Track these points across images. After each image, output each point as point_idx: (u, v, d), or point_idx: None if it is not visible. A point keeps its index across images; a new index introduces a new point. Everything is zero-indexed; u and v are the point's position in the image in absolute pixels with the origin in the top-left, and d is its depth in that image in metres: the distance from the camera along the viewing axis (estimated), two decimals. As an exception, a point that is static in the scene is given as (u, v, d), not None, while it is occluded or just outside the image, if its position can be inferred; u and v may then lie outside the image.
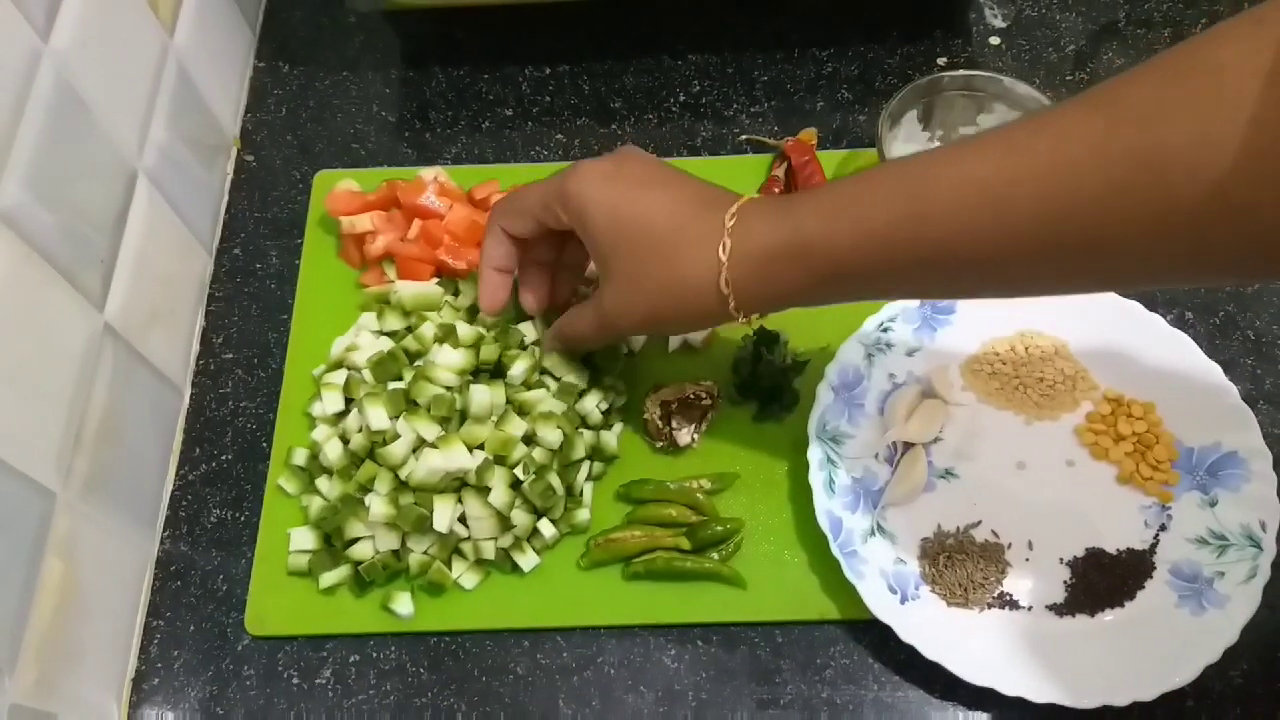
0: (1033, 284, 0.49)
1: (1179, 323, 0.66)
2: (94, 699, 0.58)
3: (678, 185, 0.55)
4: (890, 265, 0.49)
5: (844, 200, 0.50)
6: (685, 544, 0.62)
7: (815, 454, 0.62)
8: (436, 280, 0.70)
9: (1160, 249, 0.42)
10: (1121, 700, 0.56)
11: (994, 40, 0.82)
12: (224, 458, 0.68)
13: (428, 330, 0.65)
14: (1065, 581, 0.61)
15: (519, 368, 0.62)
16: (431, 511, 0.60)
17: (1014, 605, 0.60)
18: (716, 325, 0.59)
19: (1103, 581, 0.61)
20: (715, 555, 0.62)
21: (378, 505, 0.60)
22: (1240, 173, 0.38)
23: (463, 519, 0.61)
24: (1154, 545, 0.62)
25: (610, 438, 0.65)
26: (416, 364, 0.64)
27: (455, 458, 0.59)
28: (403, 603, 0.61)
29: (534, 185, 0.59)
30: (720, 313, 0.54)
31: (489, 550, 0.61)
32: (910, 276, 0.50)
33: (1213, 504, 0.62)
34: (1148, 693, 0.56)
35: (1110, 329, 0.66)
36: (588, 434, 0.64)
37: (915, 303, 0.67)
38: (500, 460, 0.61)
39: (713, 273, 0.52)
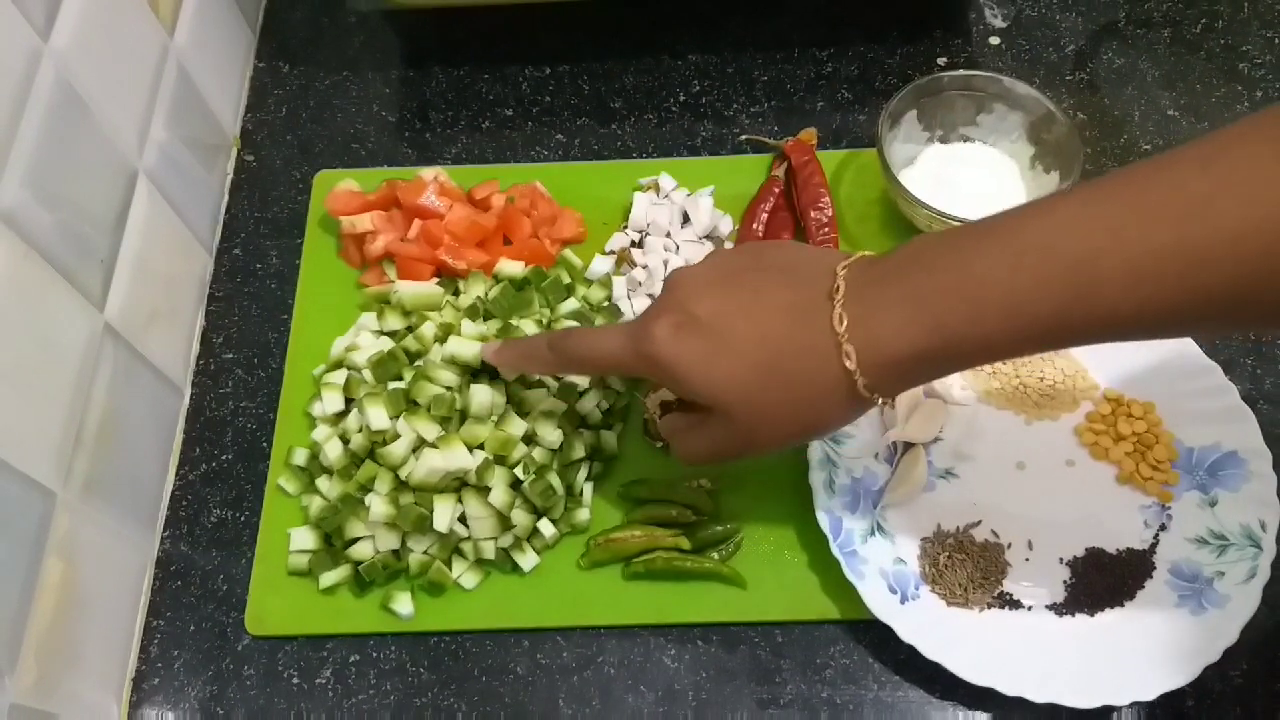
0: (1213, 330, 0.47)
1: (1179, 323, 0.66)
2: (94, 699, 0.58)
3: (755, 309, 0.48)
4: (1047, 344, 0.46)
5: (989, 289, 0.44)
6: (685, 544, 0.62)
7: (815, 454, 0.62)
8: (436, 280, 0.70)
9: None
10: (1121, 700, 0.56)
11: (994, 40, 0.82)
12: (224, 458, 0.68)
13: (428, 330, 0.65)
14: (1065, 581, 0.61)
15: None
16: (431, 511, 0.60)
17: (1014, 605, 0.60)
18: (860, 416, 0.52)
19: (1103, 581, 0.61)
20: (715, 555, 0.62)
21: (378, 505, 0.60)
22: None
23: (463, 519, 0.61)
24: (1154, 545, 0.62)
25: (610, 438, 0.65)
26: (416, 364, 0.64)
27: (455, 458, 0.59)
28: (403, 603, 0.61)
29: (599, 341, 0.53)
30: (864, 408, 0.49)
31: (489, 550, 0.61)
32: (1065, 345, 0.46)
33: (1213, 504, 0.62)
34: (1148, 693, 0.56)
35: (1110, 329, 0.66)
36: (588, 434, 0.64)
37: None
38: (500, 460, 0.61)
39: (845, 384, 0.47)
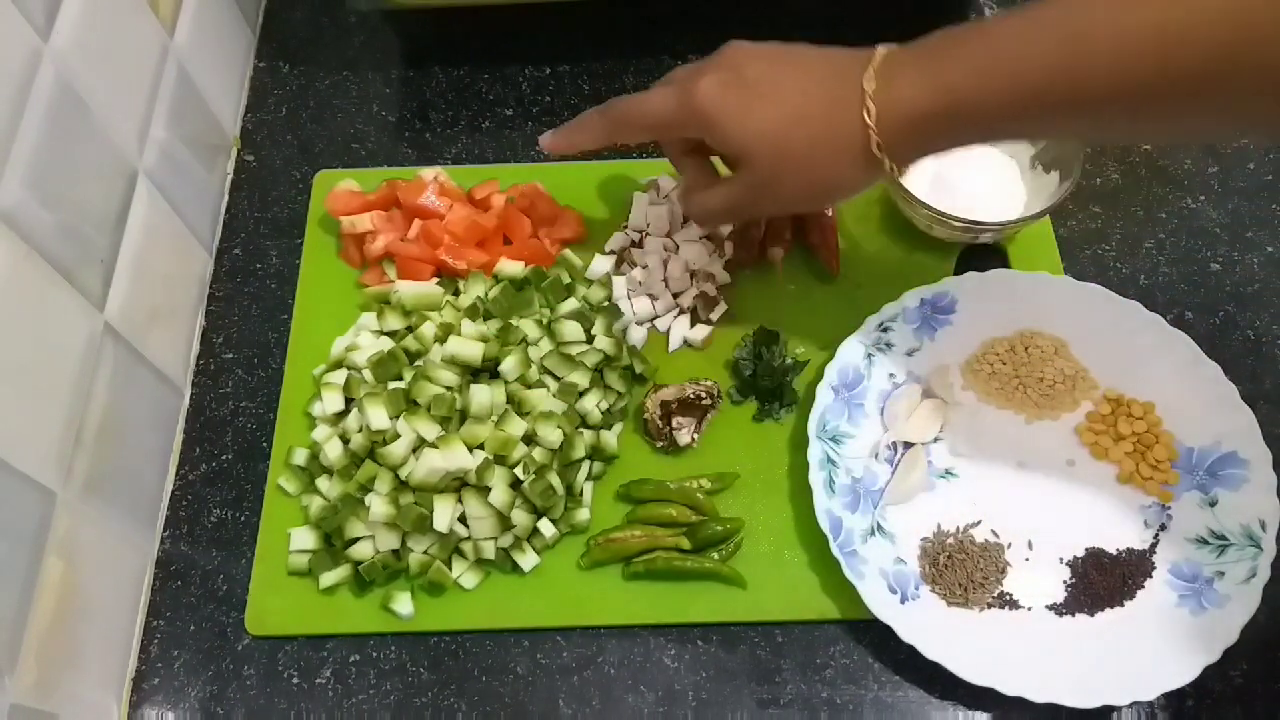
0: (1188, 123, 0.50)
1: (1179, 323, 0.66)
2: (94, 699, 0.58)
3: (801, 69, 0.55)
4: (1041, 117, 0.50)
5: (997, 58, 0.49)
6: (685, 544, 0.62)
7: (815, 454, 0.62)
8: (436, 280, 0.70)
9: None
10: (1121, 700, 0.56)
11: (994, 40, 0.82)
12: (224, 458, 0.68)
13: (428, 330, 0.65)
14: (1065, 581, 0.61)
15: (510, 363, 0.62)
16: (431, 511, 0.60)
17: (1014, 605, 0.61)
18: (866, 189, 0.58)
19: (1103, 581, 0.61)
20: (715, 555, 0.62)
21: (378, 505, 0.60)
22: None
23: (463, 519, 0.61)
24: (1154, 545, 0.62)
25: (610, 438, 0.65)
26: (416, 364, 0.64)
27: (455, 457, 0.59)
28: (403, 603, 0.61)
29: (647, 100, 0.58)
30: (873, 175, 0.54)
31: (489, 550, 0.61)
32: (1060, 125, 0.52)
33: (1213, 504, 0.62)
34: (1148, 693, 0.56)
35: (1110, 329, 0.66)
36: (588, 434, 0.64)
37: (915, 302, 0.67)
38: (500, 460, 0.61)
39: (861, 139, 0.52)
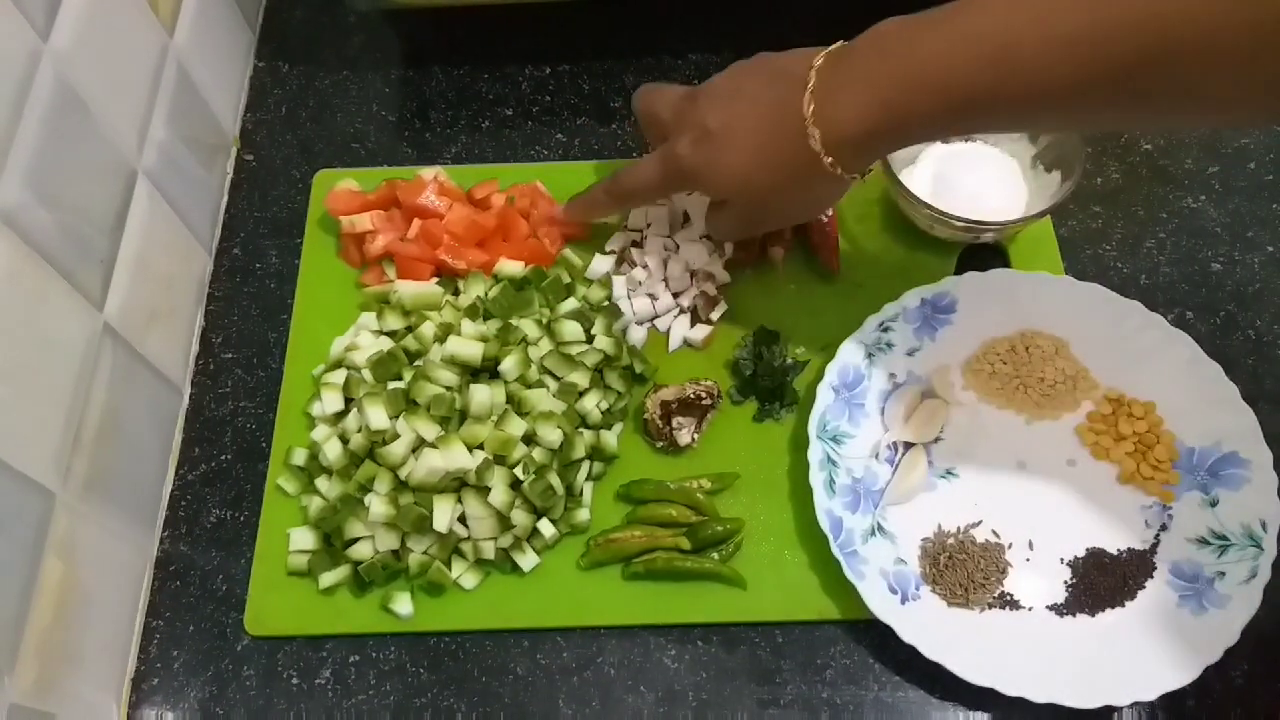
0: (1116, 117, 0.52)
1: (1179, 323, 0.66)
2: (94, 699, 0.58)
3: (750, 104, 0.57)
4: (977, 120, 0.53)
5: (924, 73, 0.51)
6: (685, 544, 0.62)
7: (815, 454, 0.62)
8: (436, 280, 0.70)
9: (1259, 71, 0.43)
10: (1122, 700, 0.56)
11: (994, 40, 0.82)
12: (223, 458, 0.68)
13: (428, 330, 0.65)
14: (1066, 581, 0.61)
15: (510, 363, 0.62)
16: (431, 511, 0.60)
17: (1015, 605, 0.60)
18: (845, 193, 0.62)
19: (1103, 581, 0.61)
20: (715, 555, 0.62)
21: (377, 505, 0.60)
22: None
23: (463, 519, 0.61)
24: (1155, 545, 0.62)
25: (610, 438, 0.65)
26: (416, 364, 0.64)
27: (455, 458, 0.59)
28: (402, 603, 0.61)
29: (640, 173, 0.63)
30: (841, 184, 0.59)
31: (489, 550, 0.61)
32: (990, 125, 0.56)
33: (1213, 504, 0.62)
34: (1148, 693, 0.56)
35: (1110, 329, 0.66)
36: (588, 434, 0.64)
37: (916, 302, 0.67)
38: (500, 460, 0.61)
39: (815, 160, 0.55)
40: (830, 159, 0.55)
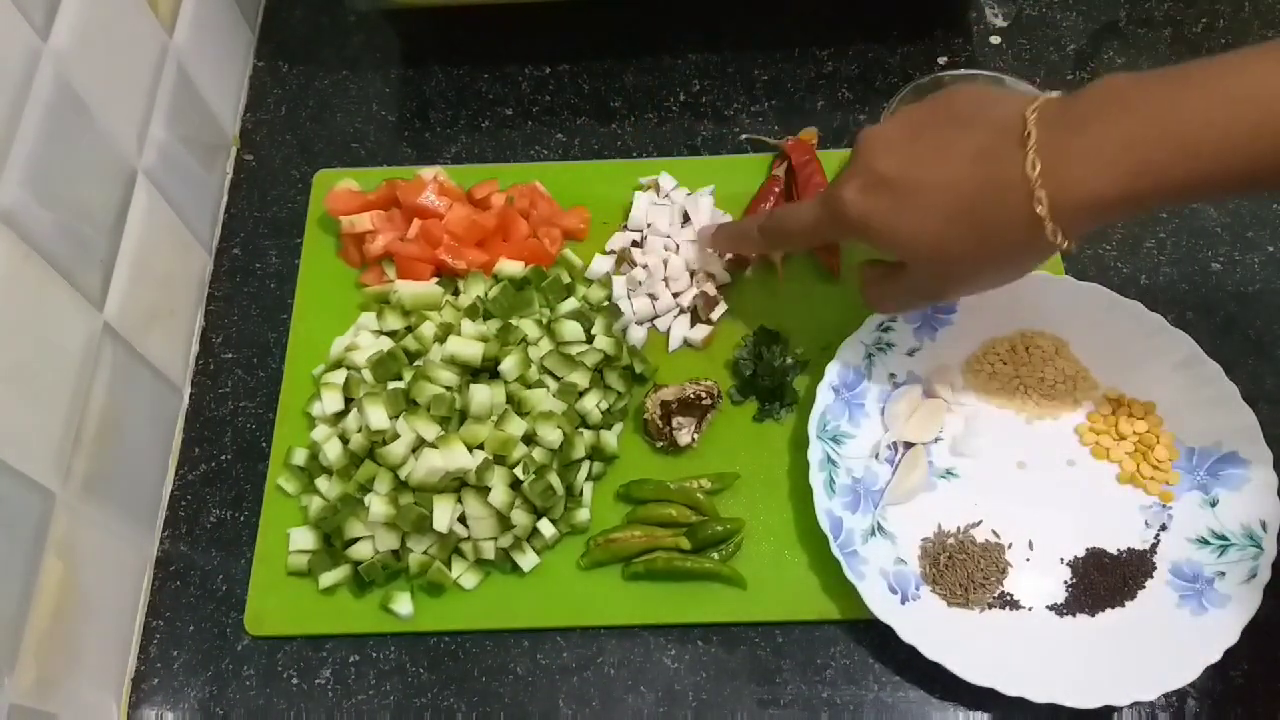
0: None
1: (1179, 323, 0.66)
2: (94, 699, 0.58)
3: (940, 154, 0.50)
4: (1228, 193, 0.49)
5: (1204, 133, 0.45)
6: (685, 544, 0.62)
7: (815, 454, 0.62)
8: (436, 280, 0.70)
9: None
10: (1122, 700, 0.56)
11: (994, 39, 0.82)
12: (223, 458, 0.68)
13: (428, 330, 0.65)
14: (1066, 581, 0.61)
15: (510, 363, 0.62)
16: (431, 511, 0.60)
17: (1015, 605, 0.60)
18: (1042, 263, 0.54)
19: (1103, 581, 0.61)
20: (715, 555, 0.62)
21: (377, 505, 0.60)
22: None
23: (463, 519, 0.61)
24: (1155, 545, 0.62)
25: (610, 438, 0.65)
26: (416, 364, 0.64)
27: (455, 457, 0.59)
28: (402, 603, 0.61)
29: (800, 216, 0.58)
30: (1047, 253, 0.51)
31: (489, 550, 0.61)
32: (1246, 194, 0.54)
33: (1213, 504, 0.62)
34: (1148, 693, 0.56)
35: (1110, 329, 0.66)
36: (588, 434, 0.64)
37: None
38: (500, 460, 0.61)
39: (1031, 226, 0.48)
40: (1053, 224, 0.47)
